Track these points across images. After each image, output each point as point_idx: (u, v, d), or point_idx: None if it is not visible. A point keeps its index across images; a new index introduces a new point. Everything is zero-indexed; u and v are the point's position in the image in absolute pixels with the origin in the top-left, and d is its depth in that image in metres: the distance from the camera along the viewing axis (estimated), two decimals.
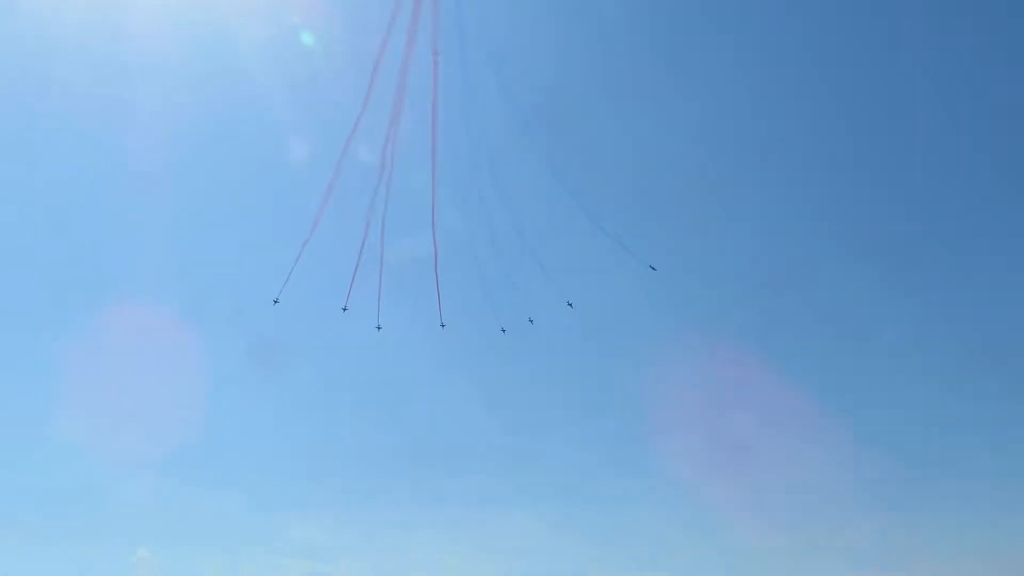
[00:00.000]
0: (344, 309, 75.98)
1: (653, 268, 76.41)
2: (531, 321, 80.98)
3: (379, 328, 77.43)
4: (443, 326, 77.85)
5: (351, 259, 68.59)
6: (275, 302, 73.82)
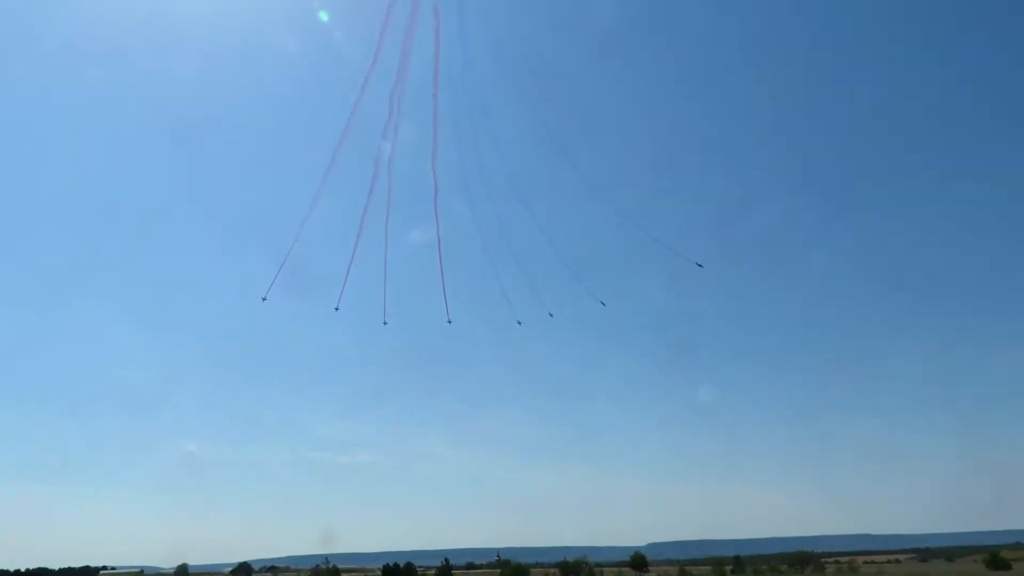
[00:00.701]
0: (336, 309, 77.19)
1: (699, 265, 79.31)
2: (551, 315, 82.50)
3: (385, 323, 78.90)
4: (450, 322, 79.19)
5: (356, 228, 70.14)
6: (263, 299, 75.19)
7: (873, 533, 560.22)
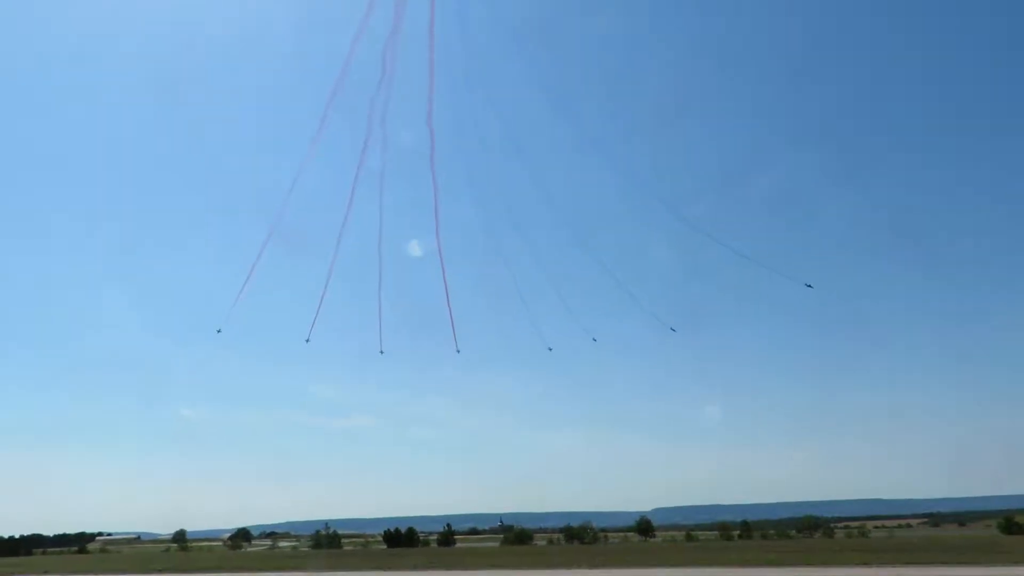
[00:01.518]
0: (307, 341, 72.78)
1: (809, 286, 75.29)
2: (595, 340, 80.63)
3: (382, 352, 73.78)
4: (458, 351, 74.48)
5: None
6: (218, 331, 72.18)
7: (884, 498, 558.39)
